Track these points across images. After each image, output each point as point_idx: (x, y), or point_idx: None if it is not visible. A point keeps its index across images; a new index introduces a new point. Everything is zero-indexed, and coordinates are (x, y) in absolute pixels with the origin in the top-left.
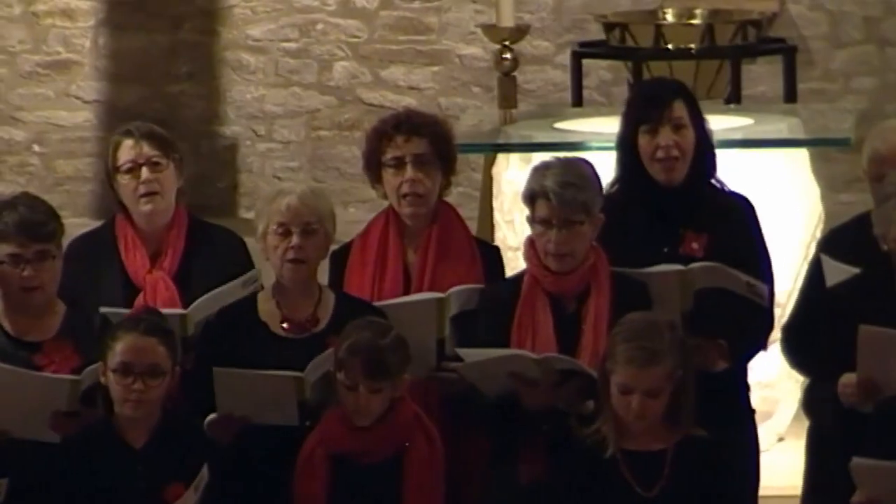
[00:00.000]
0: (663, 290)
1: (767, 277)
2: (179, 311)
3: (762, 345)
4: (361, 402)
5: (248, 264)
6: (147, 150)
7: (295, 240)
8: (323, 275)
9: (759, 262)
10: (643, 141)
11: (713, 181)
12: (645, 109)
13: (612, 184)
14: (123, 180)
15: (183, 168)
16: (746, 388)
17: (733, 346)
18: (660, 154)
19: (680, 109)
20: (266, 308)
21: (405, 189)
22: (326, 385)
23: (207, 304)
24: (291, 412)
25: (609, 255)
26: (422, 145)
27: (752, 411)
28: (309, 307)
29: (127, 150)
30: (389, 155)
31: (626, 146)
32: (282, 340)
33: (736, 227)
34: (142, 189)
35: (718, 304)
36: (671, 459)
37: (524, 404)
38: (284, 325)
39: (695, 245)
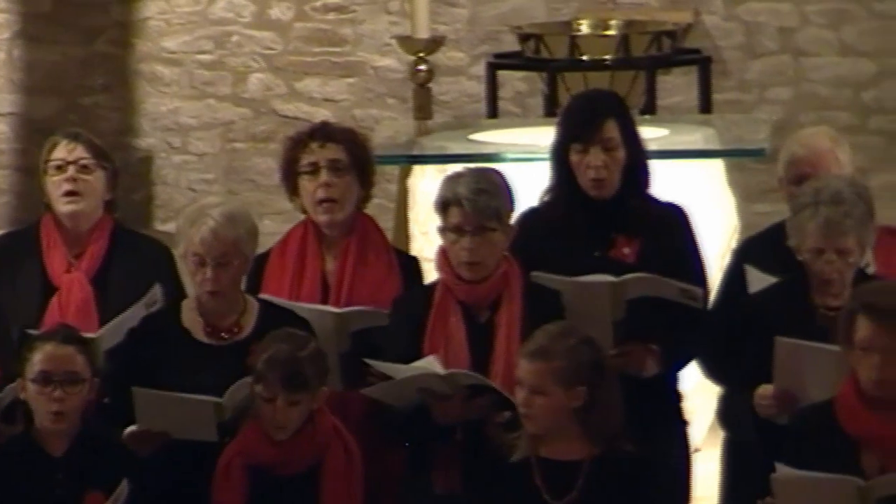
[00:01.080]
0: (594, 299)
1: (701, 283)
2: (90, 334)
3: (700, 349)
4: (279, 415)
5: (171, 276)
6: (79, 152)
7: (209, 273)
8: None
9: (692, 268)
10: (575, 157)
11: (647, 192)
12: (576, 128)
13: (546, 192)
14: (51, 179)
15: (116, 182)
16: (678, 398)
17: (667, 351)
18: (590, 174)
19: (611, 130)
20: (189, 316)
21: (320, 194)
22: (244, 398)
23: (114, 330)
24: (210, 431)
25: (540, 259)
26: (337, 151)
27: (685, 423)
28: (233, 315)
29: (60, 150)
30: (305, 161)
31: (559, 158)
32: (205, 347)
33: (668, 232)
34: (65, 187)
35: (652, 310)
36: (586, 471)
37: (435, 419)
38: (208, 332)
39: (626, 250)
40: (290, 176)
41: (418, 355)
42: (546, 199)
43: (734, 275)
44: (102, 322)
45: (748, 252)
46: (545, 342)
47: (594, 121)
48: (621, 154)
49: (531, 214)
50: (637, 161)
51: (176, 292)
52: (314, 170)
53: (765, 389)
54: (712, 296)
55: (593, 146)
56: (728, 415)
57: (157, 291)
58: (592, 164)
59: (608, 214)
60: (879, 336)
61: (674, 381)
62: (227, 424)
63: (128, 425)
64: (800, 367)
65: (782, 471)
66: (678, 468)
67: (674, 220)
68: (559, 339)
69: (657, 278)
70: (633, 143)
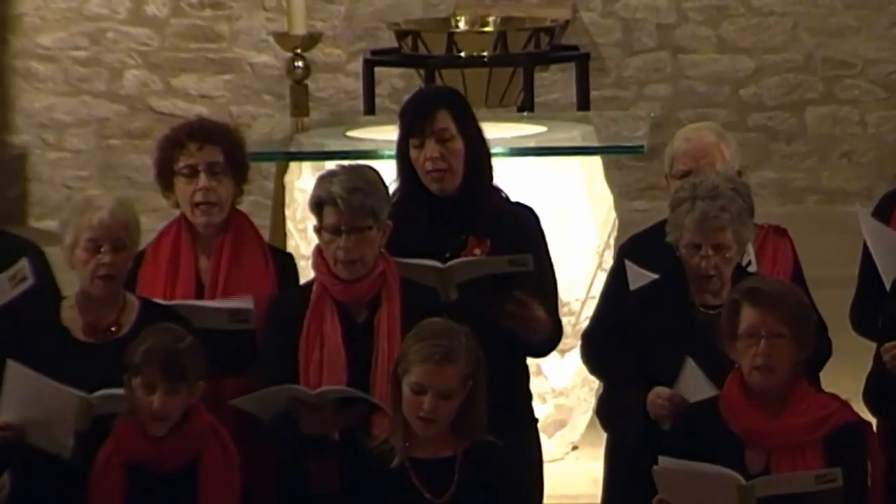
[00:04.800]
0: (424, 281)
1: (550, 285)
2: None
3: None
4: (158, 406)
5: (44, 274)
6: None
7: (106, 257)
8: None
9: (541, 271)
10: (413, 153)
11: (497, 189)
12: (410, 122)
13: (394, 193)
14: None
15: None
16: (529, 396)
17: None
18: (428, 166)
19: (445, 121)
20: (69, 314)
21: (198, 198)
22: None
23: None
24: (66, 435)
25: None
26: (215, 153)
27: (535, 420)
28: (112, 313)
29: None
30: (182, 163)
31: (401, 156)
32: (83, 345)
33: (518, 233)
34: None
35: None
36: (460, 466)
37: (303, 429)
38: (87, 330)
39: (477, 251)
40: (166, 175)
41: (294, 356)
42: (394, 198)
43: (618, 272)
44: None
45: (633, 249)
46: (446, 344)
47: (426, 113)
48: (458, 145)
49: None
50: (477, 153)
51: (50, 290)
52: (192, 173)
53: (662, 390)
54: (589, 293)
55: (427, 139)
56: (607, 412)
57: (24, 265)
58: (429, 156)
59: (457, 214)
60: (764, 321)
61: (524, 379)
62: (84, 441)
63: None
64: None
65: (664, 462)
66: (530, 467)
67: (524, 222)
68: (454, 338)
69: (482, 259)
70: (472, 135)
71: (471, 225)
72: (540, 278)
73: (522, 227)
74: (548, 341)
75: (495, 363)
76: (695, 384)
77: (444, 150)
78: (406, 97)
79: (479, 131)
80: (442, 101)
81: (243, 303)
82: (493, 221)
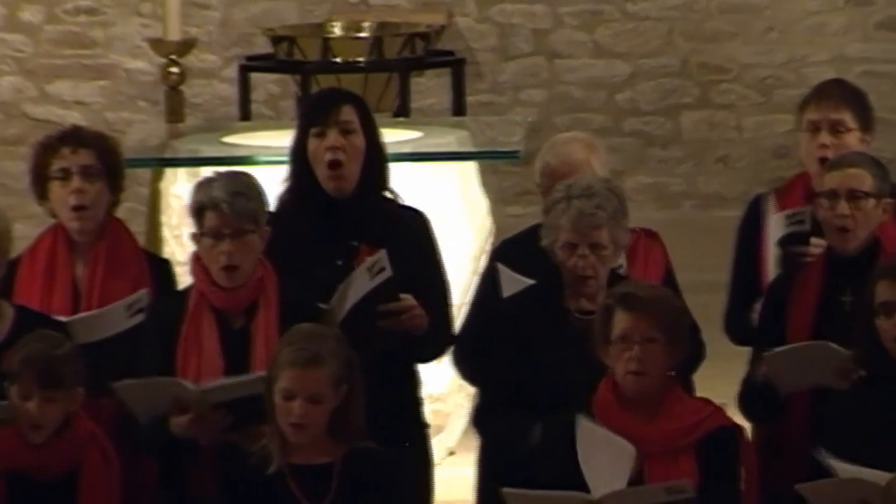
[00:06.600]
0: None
1: (440, 289)
2: None
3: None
4: (34, 414)
5: None
6: None
7: None
8: None
9: (433, 276)
10: (312, 145)
11: (388, 195)
12: (314, 112)
13: (284, 195)
14: None
15: None
16: (418, 402)
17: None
18: (327, 156)
19: (349, 114)
20: None
21: (72, 201)
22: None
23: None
24: None
25: (282, 267)
26: (89, 157)
27: (425, 425)
28: None
29: None
30: (56, 167)
31: (298, 154)
32: None
33: (410, 239)
34: None
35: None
36: (339, 472)
37: (173, 431)
38: None
39: (368, 259)
40: (41, 180)
41: (172, 363)
42: (283, 199)
43: (490, 276)
44: None
45: (505, 253)
46: (312, 348)
47: (331, 103)
48: (359, 141)
49: (270, 220)
50: (375, 157)
51: None
52: (65, 176)
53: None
54: (465, 299)
55: (330, 129)
56: (481, 419)
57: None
58: (329, 146)
59: (348, 219)
60: (637, 326)
61: (414, 386)
62: None
63: None
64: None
65: (508, 490)
66: (419, 472)
67: (416, 226)
68: (322, 341)
69: (350, 278)
70: (372, 138)
71: (362, 231)
72: (430, 283)
73: (414, 234)
74: (437, 346)
75: (383, 368)
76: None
77: (345, 143)
78: (308, 96)
79: (379, 137)
80: (349, 98)
81: (136, 295)
82: (385, 228)
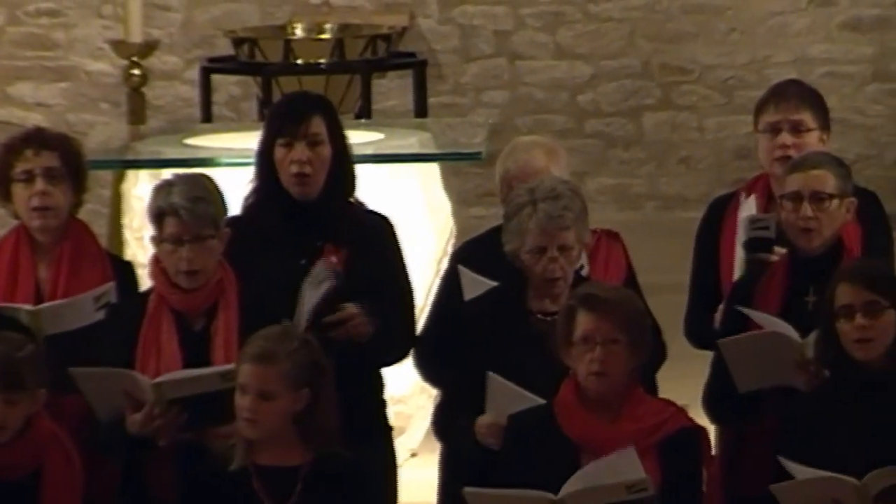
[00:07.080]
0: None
1: (402, 293)
2: None
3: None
4: None
5: None
6: None
7: None
8: None
9: (395, 280)
10: (279, 154)
11: (354, 199)
12: (282, 123)
13: (249, 195)
14: None
15: None
16: (383, 404)
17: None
18: (293, 169)
19: (318, 126)
20: None
21: (35, 202)
22: None
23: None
24: None
25: (246, 267)
26: (52, 159)
27: (390, 428)
28: None
29: None
30: (19, 169)
31: (264, 158)
32: None
33: (375, 242)
34: None
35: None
36: (304, 475)
37: (129, 429)
38: None
39: (333, 259)
40: (3, 182)
41: (131, 364)
42: (249, 201)
43: (451, 277)
44: None
45: (467, 255)
46: (269, 345)
47: (300, 115)
48: (326, 152)
49: (235, 222)
50: (342, 163)
51: None
52: (29, 178)
53: (484, 419)
54: (427, 301)
55: (298, 141)
56: (442, 425)
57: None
58: (296, 159)
59: (314, 220)
60: (600, 327)
61: (378, 388)
62: None
63: None
64: (509, 403)
65: (469, 490)
66: (384, 474)
67: (381, 230)
68: (282, 341)
69: (301, 290)
70: (340, 145)
71: (327, 232)
72: (393, 287)
73: (378, 237)
74: (399, 349)
75: (347, 371)
76: (504, 396)
77: (312, 155)
78: (278, 98)
79: (346, 140)
80: (318, 108)
81: (104, 287)
82: (349, 230)
